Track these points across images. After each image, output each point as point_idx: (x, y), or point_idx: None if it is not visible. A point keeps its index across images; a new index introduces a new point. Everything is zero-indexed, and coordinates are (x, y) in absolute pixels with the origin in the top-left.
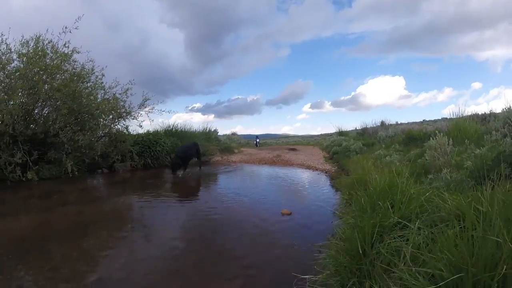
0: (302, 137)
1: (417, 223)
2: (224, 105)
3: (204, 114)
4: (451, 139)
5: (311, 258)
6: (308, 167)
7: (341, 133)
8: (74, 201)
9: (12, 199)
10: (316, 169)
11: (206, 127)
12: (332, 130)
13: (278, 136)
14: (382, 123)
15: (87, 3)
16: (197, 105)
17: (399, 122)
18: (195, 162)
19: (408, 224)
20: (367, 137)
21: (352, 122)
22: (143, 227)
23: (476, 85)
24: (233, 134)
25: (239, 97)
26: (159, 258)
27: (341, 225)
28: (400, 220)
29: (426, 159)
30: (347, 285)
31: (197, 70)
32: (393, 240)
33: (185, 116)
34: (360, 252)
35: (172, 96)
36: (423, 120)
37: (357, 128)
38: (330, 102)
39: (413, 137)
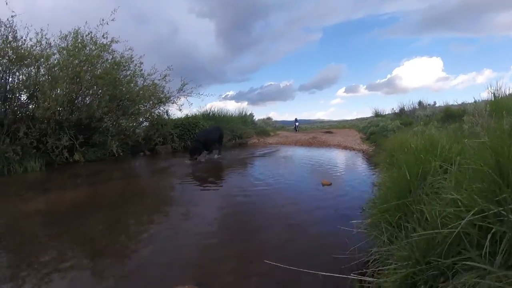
0: (337, 122)
1: (457, 164)
2: (257, 92)
3: (237, 102)
4: (488, 105)
5: (353, 217)
6: (345, 148)
7: (377, 115)
8: (118, 179)
9: (62, 178)
10: (353, 149)
11: (242, 111)
12: (367, 114)
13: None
14: (420, 103)
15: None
16: (230, 93)
17: (437, 104)
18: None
19: (449, 167)
20: (405, 117)
21: (388, 105)
22: (183, 200)
23: None
24: (268, 118)
25: (272, 83)
26: (200, 225)
27: (382, 186)
28: (442, 164)
29: (464, 127)
30: (393, 221)
31: (229, 58)
32: (437, 180)
33: (219, 104)
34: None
35: (204, 85)
36: (462, 103)
37: (394, 109)
38: (365, 86)
39: (451, 115)
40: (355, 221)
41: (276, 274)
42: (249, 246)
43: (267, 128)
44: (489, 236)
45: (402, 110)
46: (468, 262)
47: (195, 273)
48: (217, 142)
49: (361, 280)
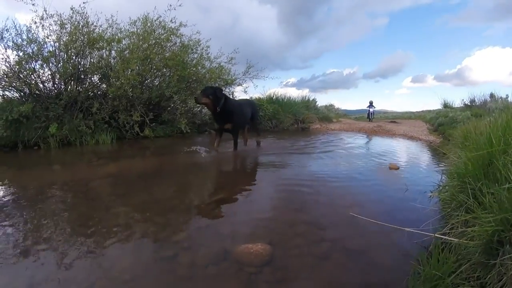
0: (402, 113)
1: None
2: (319, 79)
3: (298, 89)
4: None
5: (423, 198)
6: (411, 137)
7: (446, 106)
8: (184, 152)
9: (131, 149)
10: (420, 139)
11: (305, 96)
12: (434, 106)
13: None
14: (492, 95)
15: None
16: (292, 80)
17: (509, 98)
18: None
19: None
20: (475, 109)
21: (457, 97)
22: (248, 173)
23: None
24: (331, 105)
25: (335, 70)
26: (268, 194)
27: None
28: None
29: None
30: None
31: (291, 44)
32: None
33: (281, 91)
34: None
35: (266, 72)
36: None
37: (464, 101)
38: (433, 76)
39: None
40: (427, 193)
41: (346, 242)
42: (319, 215)
43: (329, 115)
44: None
45: (472, 101)
46: None
47: (266, 233)
48: (248, 123)
49: (444, 240)
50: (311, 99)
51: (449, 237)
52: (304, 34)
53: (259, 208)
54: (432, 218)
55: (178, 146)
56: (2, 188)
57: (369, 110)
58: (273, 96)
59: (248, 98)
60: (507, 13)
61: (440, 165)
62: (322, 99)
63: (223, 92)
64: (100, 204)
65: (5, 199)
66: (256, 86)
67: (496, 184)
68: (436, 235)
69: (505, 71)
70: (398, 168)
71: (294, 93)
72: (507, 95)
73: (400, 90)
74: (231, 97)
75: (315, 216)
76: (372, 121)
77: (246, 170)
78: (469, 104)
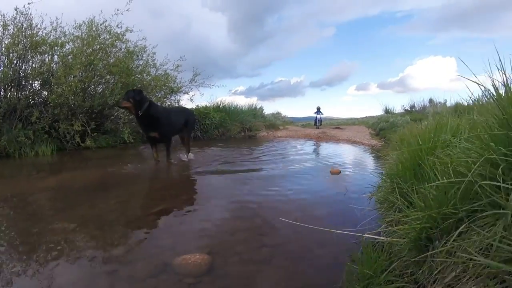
0: (347, 119)
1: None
2: (267, 87)
3: (247, 97)
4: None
5: (362, 199)
6: (354, 142)
7: (387, 112)
8: (127, 163)
9: (72, 161)
10: (362, 144)
11: (252, 105)
12: (377, 112)
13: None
14: (431, 100)
15: None
16: (240, 88)
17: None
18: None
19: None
20: (415, 114)
21: (399, 104)
22: (190, 182)
23: None
24: (278, 113)
25: (283, 79)
26: (210, 202)
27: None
28: (451, 138)
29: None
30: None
31: (241, 53)
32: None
33: (229, 99)
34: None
35: (215, 80)
36: (473, 101)
37: (404, 106)
38: (376, 84)
39: (464, 111)
40: (366, 195)
41: (286, 246)
42: (260, 222)
43: (276, 122)
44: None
45: (412, 107)
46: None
47: (206, 243)
48: (180, 132)
49: (375, 240)
50: (258, 107)
51: (382, 236)
52: (254, 42)
53: (199, 218)
54: (368, 218)
55: (120, 157)
56: None
57: (316, 117)
58: (220, 104)
59: (184, 106)
60: (448, 25)
61: (378, 167)
62: (270, 107)
63: (144, 94)
64: (40, 219)
65: None
66: (203, 94)
67: (425, 183)
68: (366, 235)
69: (445, 78)
70: (339, 172)
71: (243, 101)
72: (445, 100)
73: (345, 97)
74: (177, 105)
75: (256, 223)
76: (319, 128)
77: (187, 180)
78: (409, 109)
